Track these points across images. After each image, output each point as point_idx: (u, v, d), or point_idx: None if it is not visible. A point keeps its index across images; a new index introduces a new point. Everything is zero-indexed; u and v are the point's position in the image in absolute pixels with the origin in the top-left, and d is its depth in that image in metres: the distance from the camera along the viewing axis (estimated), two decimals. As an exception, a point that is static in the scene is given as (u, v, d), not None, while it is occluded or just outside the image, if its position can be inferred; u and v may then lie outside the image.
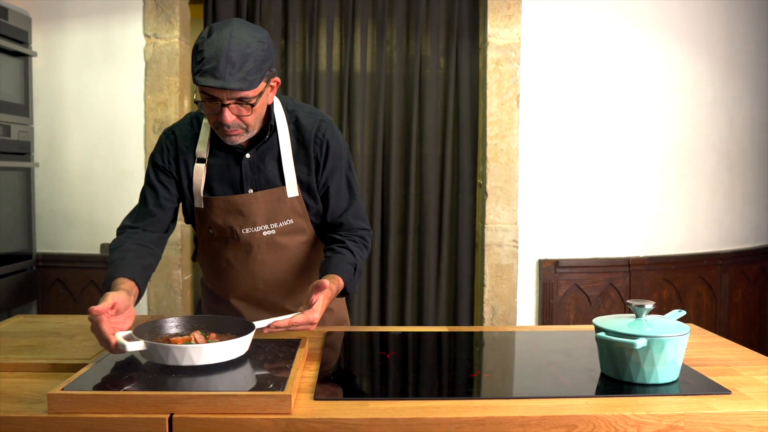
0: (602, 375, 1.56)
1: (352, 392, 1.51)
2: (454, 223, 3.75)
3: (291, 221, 1.96)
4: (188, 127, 1.97)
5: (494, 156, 3.56)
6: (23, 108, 3.26)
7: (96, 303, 1.52)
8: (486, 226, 3.59)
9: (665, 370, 1.49)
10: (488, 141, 3.56)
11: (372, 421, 1.30)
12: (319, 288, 1.74)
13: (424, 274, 3.72)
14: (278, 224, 1.95)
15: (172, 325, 1.66)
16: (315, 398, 1.40)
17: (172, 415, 1.29)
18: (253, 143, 1.92)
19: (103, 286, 1.77)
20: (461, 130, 3.70)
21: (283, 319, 1.67)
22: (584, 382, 1.53)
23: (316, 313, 1.70)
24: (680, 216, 3.80)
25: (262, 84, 1.76)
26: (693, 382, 1.51)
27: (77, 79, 3.50)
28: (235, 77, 1.67)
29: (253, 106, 1.75)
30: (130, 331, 1.52)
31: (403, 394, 1.50)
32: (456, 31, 3.66)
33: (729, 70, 3.87)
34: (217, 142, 1.93)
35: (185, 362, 1.44)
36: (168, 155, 1.95)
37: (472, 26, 3.69)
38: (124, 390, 1.33)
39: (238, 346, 1.51)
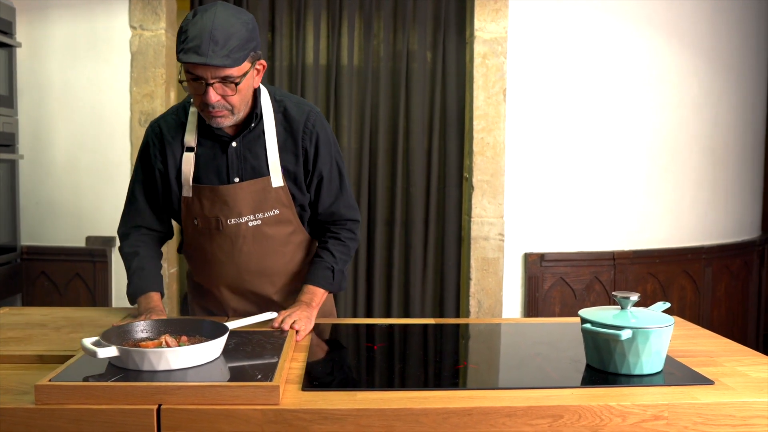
0: (588, 366, 1.58)
1: (340, 383, 1.52)
2: (440, 217, 3.76)
3: (277, 211, 1.95)
4: (173, 117, 1.97)
5: (481, 150, 3.57)
6: (7, 99, 3.23)
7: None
8: (472, 219, 3.60)
9: (650, 361, 1.50)
10: (475, 135, 3.57)
11: (360, 411, 1.31)
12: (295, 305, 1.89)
13: (411, 267, 3.73)
14: (263, 214, 1.94)
15: (139, 330, 1.60)
16: (303, 389, 1.40)
17: (160, 405, 1.29)
18: (239, 132, 1.92)
19: (131, 290, 1.93)
20: (448, 123, 3.70)
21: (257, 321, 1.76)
22: (570, 373, 1.54)
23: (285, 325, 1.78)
24: (665, 210, 3.83)
25: (246, 64, 1.76)
26: (677, 373, 1.53)
27: (62, 71, 3.47)
28: (218, 54, 1.67)
29: (237, 84, 1.74)
30: (96, 337, 1.47)
31: (390, 384, 1.50)
32: (443, 25, 3.66)
33: (714, 66, 3.90)
34: (204, 131, 1.92)
35: (161, 367, 1.40)
36: (154, 149, 1.96)
37: (459, 20, 3.69)
38: (112, 381, 1.33)
39: (214, 348, 1.49)
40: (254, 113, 1.90)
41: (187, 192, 1.94)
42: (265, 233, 1.96)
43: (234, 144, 1.91)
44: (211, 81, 1.72)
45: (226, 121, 1.83)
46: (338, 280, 2.01)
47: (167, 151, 1.94)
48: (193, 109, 1.93)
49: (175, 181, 1.95)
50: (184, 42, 1.69)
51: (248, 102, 1.86)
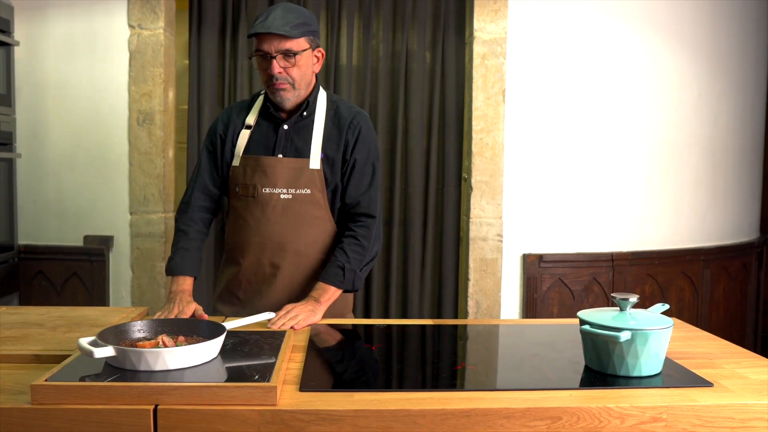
0: (586, 367, 1.57)
1: (338, 384, 1.52)
2: (439, 217, 3.75)
3: (308, 191, 2.14)
4: (245, 102, 2.28)
5: (479, 150, 3.57)
6: (5, 98, 3.23)
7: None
8: (471, 220, 3.59)
9: (648, 362, 1.50)
10: (474, 135, 3.57)
11: (357, 412, 1.30)
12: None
13: (409, 268, 3.72)
14: (296, 191, 2.14)
15: (136, 329, 1.60)
16: (300, 389, 1.40)
17: (157, 406, 1.28)
18: (290, 117, 2.18)
19: (171, 266, 2.14)
20: (447, 124, 3.70)
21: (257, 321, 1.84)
22: (568, 375, 1.54)
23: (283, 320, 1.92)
24: (663, 212, 3.83)
25: (305, 42, 2.07)
26: (676, 375, 1.53)
27: (60, 69, 3.46)
28: (279, 26, 2.00)
29: (296, 55, 2.05)
30: (93, 337, 1.47)
31: (388, 385, 1.50)
32: (442, 26, 3.66)
33: (714, 67, 3.90)
34: (264, 113, 2.20)
35: (158, 367, 1.40)
36: (222, 125, 2.24)
37: (458, 21, 3.69)
38: (109, 381, 1.32)
39: (211, 348, 1.49)
40: (307, 101, 2.16)
41: (236, 162, 2.18)
42: (294, 208, 2.15)
43: (285, 126, 2.17)
44: (275, 54, 2.03)
45: (288, 95, 2.10)
46: (349, 278, 2.11)
47: (230, 128, 2.22)
48: (260, 96, 2.23)
49: (230, 153, 2.21)
50: (254, 22, 2.05)
51: (308, 85, 2.15)
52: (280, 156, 2.15)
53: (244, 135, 2.19)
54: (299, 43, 2.05)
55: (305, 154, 2.14)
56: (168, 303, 2.02)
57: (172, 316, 1.92)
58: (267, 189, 2.14)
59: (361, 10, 3.65)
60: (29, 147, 3.48)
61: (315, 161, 2.14)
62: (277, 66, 2.05)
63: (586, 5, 3.61)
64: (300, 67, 2.08)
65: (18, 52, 3.39)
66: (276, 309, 1.99)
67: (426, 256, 3.73)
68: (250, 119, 2.21)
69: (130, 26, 3.44)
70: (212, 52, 3.59)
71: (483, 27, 3.55)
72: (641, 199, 3.77)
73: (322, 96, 2.22)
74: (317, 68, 2.18)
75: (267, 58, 2.05)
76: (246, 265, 2.19)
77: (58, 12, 3.45)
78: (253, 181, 2.14)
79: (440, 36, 3.66)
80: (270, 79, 2.08)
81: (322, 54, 2.18)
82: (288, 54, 2.04)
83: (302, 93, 2.14)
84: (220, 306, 2.26)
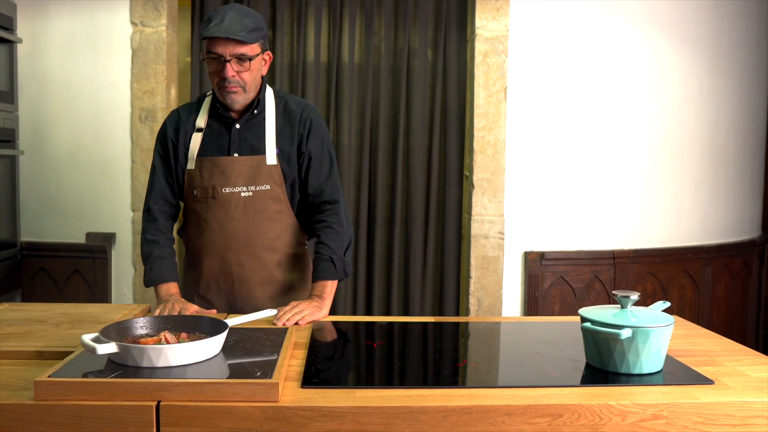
0: (587, 365, 1.57)
1: (339, 381, 1.52)
2: (440, 215, 3.75)
3: (268, 187, 2.16)
4: (191, 104, 2.27)
5: (481, 148, 3.57)
6: (8, 95, 3.23)
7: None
8: (472, 217, 3.60)
9: (649, 360, 1.50)
10: (475, 133, 3.57)
11: (359, 409, 1.31)
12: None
13: (411, 265, 3.73)
14: (255, 188, 2.16)
15: (138, 326, 1.60)
16: (302, 386, 1.40)
17: (159, 402, 1.29)
18: (242, 115, 2.18)
19: (151, 277, 2.14)
20: (448, 121, 3.70)
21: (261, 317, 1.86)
22: (569, 372, 1.54)
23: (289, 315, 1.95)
24: (665, 210, 3.83)
25: (258, 47, 2.09)
26: (677, 372, 1.53)
27: (63, 67, 3.47)
28: (236, 30, 2.01)
29: (250, 60, 2.07)
30: (96, 334, 1.47)
31: (389, 382, 1.50)
32: (444, 23, 3.66)
33: (715, 65, 3.90)
34: (213, 114, 2.20)
35: (161, 363, 1.40)
36: (170, 129, 2.22)
37: (460, 18, 3.69)
38: (111, 377, 1.33)
39: (213, 345, 1.49)
40: (257, 99, 2.17)
41: (191, 165, 2.18)
42: (255, 205, 2.16)
43: (237, 126, 2.18)
44: (229, 58, 2.04)
45: (238, 97, 2.11)
46: (341, 267, 2.15)
47: (180, 131, 2.20)
48: (207, 98, 2.23)
49: (183, 156, 2.20)
50: (208, 23, 2.04)
51: (256, 87, 2.16)
52: (236, 155, 2.16)
53: (197, 138, 2.18)
54: (253, 48, 2.08)
55: (260, 150, 2.16)
56: (165, 303, 2.04)
57: (175, 313, 1.94)
58: (227, 189, 2.15)
59: (363, 8, 3.65)
60: (32, 144, 3.48)
61: (271, 157, 2.16)
62: (231, 70, 2.06)
63: (588, 3, 3.61)
64: (252, 71, 2.10)
65: (21, 49, 3.40)
66: (251, 309, 2.08)
67: (427, 253, 3.74)
68: (200, 122, 2.20)
69: (133, 23, 3.44)
70: (214, 50, 3.58)
71: (485, 24, 3.54)
72: (642, 197, 3.77)
73: (269, 93, 2.24)
74: (265, 71, 2.19)
75: (220, 61, 2.06)
76: (212, 266, 2.21)
77: (61, 9, 3.45)
78: (212, 183, 2.15)
79: (442, 33, 3.66)
80: (222, 82, 2.08)
81: (270, 57, 2.21)
82: (242, 59, 2.06)
83: (251, 95, 2.15)
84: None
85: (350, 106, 3.66)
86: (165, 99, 3.45)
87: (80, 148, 3.49)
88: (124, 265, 3.51)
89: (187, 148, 2.19)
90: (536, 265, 3.64)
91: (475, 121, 3.56)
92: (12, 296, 3.35)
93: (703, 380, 1.48)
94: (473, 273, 3.61)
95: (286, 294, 2.24)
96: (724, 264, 4.06)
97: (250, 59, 2.07)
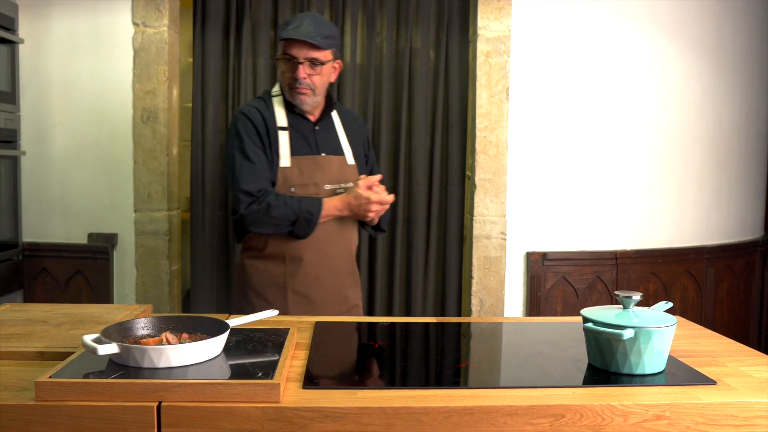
0: (589, 365, 1.57)
1: (341, 381, 1.52)
2: (442, 215, 3.75)
3: (351, 184, 2.35)
4: (261, 103, 2.35)
5: (483, 148, 3.57)
6: (10, 96, 3.23)
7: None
8: (474, 218, 3.59)
9: (652, 360, 1.50)
10: (477, 133, 3.56)
11: (360, 409, 1.30)
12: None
13: (413, 266, 3.72)
14: (345, 184, 2.36)
15: (139, 326, 1.59)
16: (304, 387, 1.40)
17: (160, 403, 1.29)
18: (319, 117, 2.37)
19: (308, 205, 2.23)
20: (450, 122, 3.70)
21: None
22: (571, 372, 1.54)
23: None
24: (667, 210, 3.82)
25: (330, 53, 2.25)
26: (679, 373, 1.53)
27: (64, 67, 3.47)
28: (312, 35, 2.16)
29: (322, 65, 2.22)
30: (97, 334, 1.47)
31: (391, 383, 1.50)
32: (446, 24, 3.66)
33: (718, 66, 3.89)
34: (290, 115, 2.33)
35: (162, 364, 1.40)
36: (264, 128, 2.28)
37: (462, 18, 3.68)
38: (113, 378, 1.33)
39: (215, 345, 1.49)
40: (331, 102, 2.37)
41: (285, 162, 2.28)
42: None
43: (317, 127, 2.36)
44: (302, 60, 2.19)
45: (308, 100, 2.27)
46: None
47: (269, 128, 2.29)
48: (275, 98, 2.35)
49: (276, 154, 2.29)
50: (287, 25, 2.19)
51: (323, 92, 2.32)
52: (324, 154, 2.33)
53: (284, 135, 2.30)
54: (326, 54, 2.23)
55: (339, 151, 2.37)
56: (355, 196, 2.27)
57: (374, 199, 2.28)
58: (327, 186, 2.31)
59: (365, 8, 3.65)
60: (33, 145, 3.48)
61: (350, 157, 2.39)
62: (303, 72, 2.20)
63: (590, 3, 3.60)
64: (322, 76, 2.25)
65: (22, 50, 3.40)
66: (342, 301, 2.39)
67: (429, 254, 3.73)
68: (283, 121, 2.31)
69: (135, 24, 3.44)
70: (216, 50, 3.59)
71: (487, 25, 3.54)
72: (645, 198, 3.76)
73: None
74: (333, 78, 2.34)
75: (294, 63, 2.20)
76: (314, 260, 2.31)
77: (63, 10, 3.45)
78: (313, 179, 2.29)
79: (444, 34, 3.66)
80: (293, 83, 2.22)
81: (340, 65, 2.36)
82: (315, 62, 2.20)
83: (319, 99, 2.31)
84: (293, 308, 2.31)
85: (352, 106, 3.65)
86: (167, 99, 3.45)
87: (82, 148, 3.49)
88: (126, 265, 3.51)
89: (273, 145, 2.29)
90: (538, 265, 3.63)
91: (477, 121, 3.56)
92: (14, 297, 3.35)
93: (706, 381, 1.47)
94: (475, 273, 3.61)
95: (355, 283, 2.47)
96: (727, 264, 4.05)
97: (322, 64, 2.22)
